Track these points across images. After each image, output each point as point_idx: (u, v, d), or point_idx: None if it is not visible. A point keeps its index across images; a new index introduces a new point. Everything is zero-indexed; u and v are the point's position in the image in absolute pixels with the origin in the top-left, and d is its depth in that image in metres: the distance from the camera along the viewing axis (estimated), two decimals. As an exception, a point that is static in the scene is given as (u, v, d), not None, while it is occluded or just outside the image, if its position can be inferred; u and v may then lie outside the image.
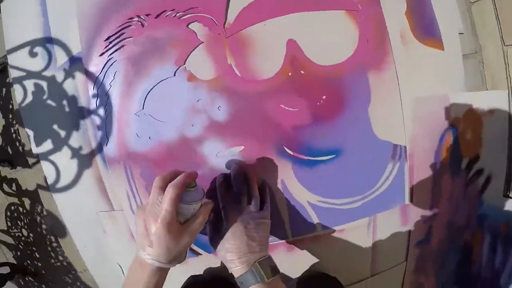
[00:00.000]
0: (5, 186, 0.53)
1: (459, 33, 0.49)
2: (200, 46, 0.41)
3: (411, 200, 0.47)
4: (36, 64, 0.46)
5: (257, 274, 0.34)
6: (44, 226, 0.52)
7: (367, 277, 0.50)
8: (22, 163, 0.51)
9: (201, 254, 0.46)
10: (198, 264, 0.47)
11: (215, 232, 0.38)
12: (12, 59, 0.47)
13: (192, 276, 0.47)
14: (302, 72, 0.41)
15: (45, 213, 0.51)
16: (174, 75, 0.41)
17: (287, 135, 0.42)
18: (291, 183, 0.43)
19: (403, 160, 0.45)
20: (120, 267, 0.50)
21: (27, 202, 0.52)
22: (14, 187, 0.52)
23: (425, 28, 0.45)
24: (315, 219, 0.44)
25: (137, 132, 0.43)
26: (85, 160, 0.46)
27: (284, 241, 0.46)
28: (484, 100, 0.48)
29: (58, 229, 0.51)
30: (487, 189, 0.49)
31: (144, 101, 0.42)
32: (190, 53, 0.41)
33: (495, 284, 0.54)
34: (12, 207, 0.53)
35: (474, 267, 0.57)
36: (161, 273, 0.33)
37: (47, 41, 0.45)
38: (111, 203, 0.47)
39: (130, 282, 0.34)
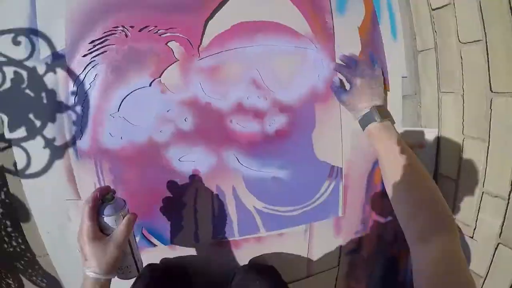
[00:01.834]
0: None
1: (402, 77, 0.58)
2: (175, 63, 0.47)
3: (344, 213, 0.55)
4: (18, 52, 0.46)
5: (375, 115, 0.43)
6: (0, 210, 0.53)
7: (303, 278, 0.58)
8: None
9: (157, 245, 0.51)
10: (154, 254, 0.52)
11: (344, 93, 0.48)
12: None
13: (149, 264, 0.52)
14: (258, 97, 0.48)
15: (3, 196, 0.51)
16: (150, 85, 0.47)
17: (241, 149, 0.49)
18: (240, 189, 0.50)
19: (338, 179, 0.53)
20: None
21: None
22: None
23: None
24: (259, 222, 0.51)
25: (110, 131, 0.48)
26: (57, 151, 0.49)
27: (231, 239, 0.52)
28: (416, 135, 0.58)
29: (21, 213, 0.52)
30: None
31: (120, 105, 0.47)
32: (166, 68, 0.47)
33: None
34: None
35: (400, 276, 0.67)
36: (101, 286, 0.36)
37: (32, 33, 0.46)
38: (79, 193, 0.50)
39: None
